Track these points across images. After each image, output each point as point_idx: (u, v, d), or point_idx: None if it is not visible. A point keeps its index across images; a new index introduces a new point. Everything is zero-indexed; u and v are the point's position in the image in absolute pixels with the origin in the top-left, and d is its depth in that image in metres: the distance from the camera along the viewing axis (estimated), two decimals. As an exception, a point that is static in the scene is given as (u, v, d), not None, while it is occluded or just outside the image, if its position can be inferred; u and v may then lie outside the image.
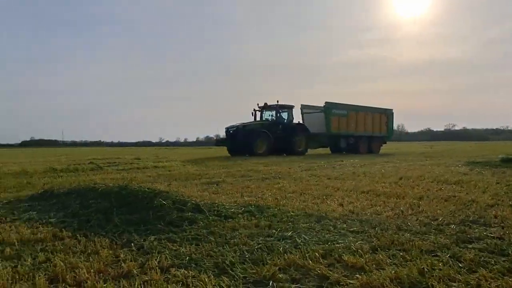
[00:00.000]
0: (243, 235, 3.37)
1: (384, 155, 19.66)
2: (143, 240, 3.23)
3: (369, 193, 5.81)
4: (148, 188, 4.43)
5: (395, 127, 30.33)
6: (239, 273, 2.46)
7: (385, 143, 26.05)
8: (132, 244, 3.13)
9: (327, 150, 24.25)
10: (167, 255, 2.81)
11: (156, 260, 2.69)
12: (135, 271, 2.52)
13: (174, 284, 2.27)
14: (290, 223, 3.80)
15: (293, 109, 21.35)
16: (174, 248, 3.02)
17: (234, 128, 19.49)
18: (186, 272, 2.48)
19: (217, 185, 7.14)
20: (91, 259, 2.73)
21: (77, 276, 2.40)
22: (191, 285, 2.29)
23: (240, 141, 18.81)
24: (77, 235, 3.38)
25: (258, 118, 20.94)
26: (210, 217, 3.95)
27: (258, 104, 21.05)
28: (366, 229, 3.54)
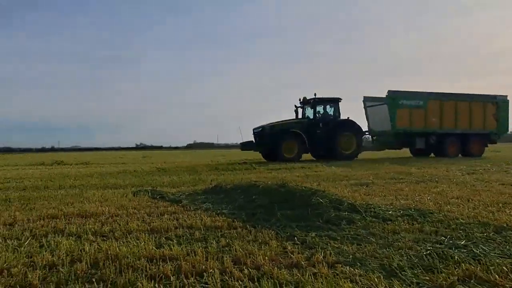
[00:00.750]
0: (407, 239, 3.21)
1: None
2: (304, 235, 3.41)
3: None
4: (304, 187, 4.66)
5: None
6: (410, 278, 2.36)
7: (495, 142, 19.54)
8: (296, 238, 3.34)
9: (404, 152, 19.65)
10: (330, 251, 2.91)
11: (321, 255, 2.82)
12: (303, 263, 2.70)
13: (343, 280, 2.34)
14: (461, 231, 3.42)
15: (340, 103, 17.04)
16: (336, 245, 3.10)
17: (260, 129, 16.44)
18: (352, 270, 2.52)
19: (367, 186, 6.96)
20: (263, 248, 3.05)
21: (255, 261, 2.72)
22: (360, 283, 2.31)
23: (265, 143, 15.92)
24: (247, 225, 3.82)
25: (300, 116, 17.52)
26: (367, 218, 3.90)
27: (300, 99, 17.46)
28: None
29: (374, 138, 19.43)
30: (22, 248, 3.10)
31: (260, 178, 8.05)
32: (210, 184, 7.16)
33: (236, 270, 2.56)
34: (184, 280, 2.41)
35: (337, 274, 2.46)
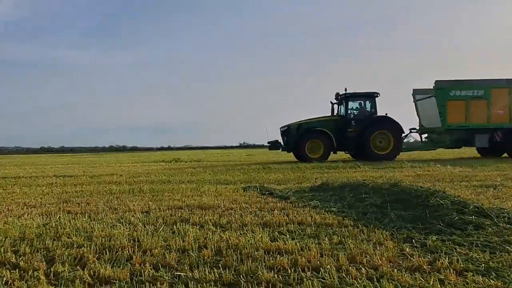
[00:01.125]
0: (556, 251, 2.75)
1: None
2: (423, 238, 3.20)
3: None
4: (420, 187, 4.34)
5: None
6: None
7: None
8: (413, 240, 3.15)
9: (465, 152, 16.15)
10: (457, 257, 2.67)
11: (446, 260, 2.61)
12: (425, 267, 2.53)
13: (477, 290, 2.13)
14: None
15: (377, 98, 15.13)
16: (463, 252, 2.83)
17: (286, 128, 15.45)
18: (487, 280, 2.27)
19: (494, 188, 6.13)
20: (378, 248, 2.96)
21: (371, 261, 2.66)
22: (498, 295, 2.08)
23: (290, 143, 15.09)
24: (358, 224, 3.74)
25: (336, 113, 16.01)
26: (500, 224, 3.45)
27: (336, 95, 15.95)
28: None
29: (424, 136, 16.87)
30: (158, 233, 3.58)
31: (366, 177, 7.76)
32: (315, 182, 7.18)
33: (353, 268, 2.54)
34: (301, 273, 2.49)
35: (468, 283, 2.25)
